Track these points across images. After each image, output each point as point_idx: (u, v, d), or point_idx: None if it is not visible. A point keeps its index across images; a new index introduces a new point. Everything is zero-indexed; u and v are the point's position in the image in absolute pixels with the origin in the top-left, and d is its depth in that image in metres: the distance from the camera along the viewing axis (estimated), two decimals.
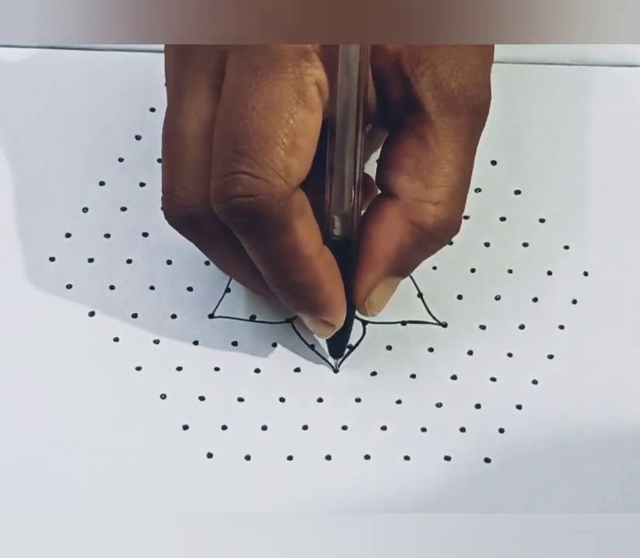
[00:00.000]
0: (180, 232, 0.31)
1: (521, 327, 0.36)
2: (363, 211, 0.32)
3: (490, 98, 0.31)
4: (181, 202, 0.30)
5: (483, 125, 0.31)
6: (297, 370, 0.36)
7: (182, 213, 0.30)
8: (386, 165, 0.31)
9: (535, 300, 0.37)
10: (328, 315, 0.32)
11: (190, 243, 0.36)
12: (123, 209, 0.37)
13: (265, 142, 0.27)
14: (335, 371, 0.36)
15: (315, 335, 0.35)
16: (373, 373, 0.36)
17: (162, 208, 0.31)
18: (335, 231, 0.31)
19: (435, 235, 0.31)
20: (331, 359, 0.36)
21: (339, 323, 0.33)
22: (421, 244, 0.31)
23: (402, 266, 0.32)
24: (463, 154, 0.30)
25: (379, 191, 0.32)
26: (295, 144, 0.28)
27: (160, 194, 0.37)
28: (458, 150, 0.30)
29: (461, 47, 0.30)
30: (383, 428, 0.35)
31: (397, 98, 0.30)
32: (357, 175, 0.30)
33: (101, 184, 0.37)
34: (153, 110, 0.38)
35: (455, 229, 0.31)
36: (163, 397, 0.35)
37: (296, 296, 0.31)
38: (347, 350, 0.36)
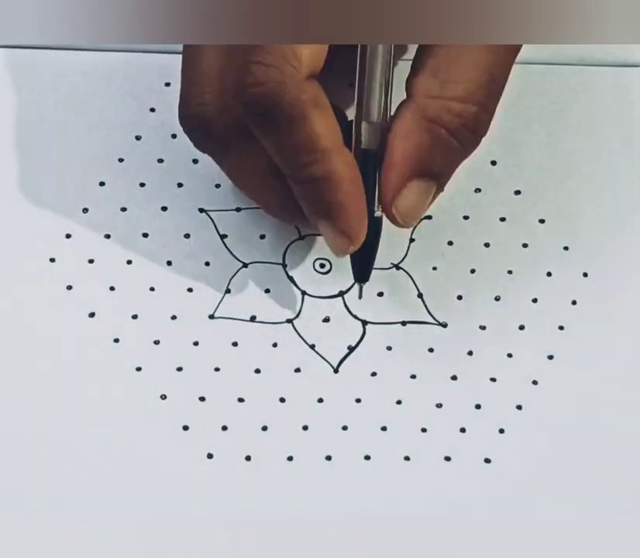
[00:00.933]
0: (193, 138, 0.31)
1: (521, 327, 0.36)
2: None
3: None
4: (195, 100, 0.30)
5: (519, 46, 0.31)
6: (298, 370, 0.36)
7: (195, 112, 0.30)
8: (413, 68, 0.30)
9: (535, 300, 0.37)
10: (344, 220, 0.30)
11: (191, 244, 0.36)
12: (123, 210, 0.37)
13: None
14: (336, 371, 0.36)
15: (334, 253, 0.33)
16: (373, 374, 0.36)
17: (178, 113, 0.31)
18: (363, 140, 0.31)
19: (454, 131, 0.30)
20: (331, 359, 0.36)
21: (357, 235, 0.31)
22: (440, 141, 0.30)
23: (427, 167, 0.30)
24: (490, 55, 0.29)
25: None
26: None
27: (160, 195, 0.37)
28: (483, 50, 0.29)
29: None
30: (383, 428, 0.35)
31: None
32: (387, 82, 0.30)
33: (101, 184, 0.37)
34: (152, 110, 0.38)
35: (477, 127, 0.30)
36: (164, 397, 0.35)
37: (314, 194, 0.30)
38: (347, 351, 0.36)
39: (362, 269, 0.34)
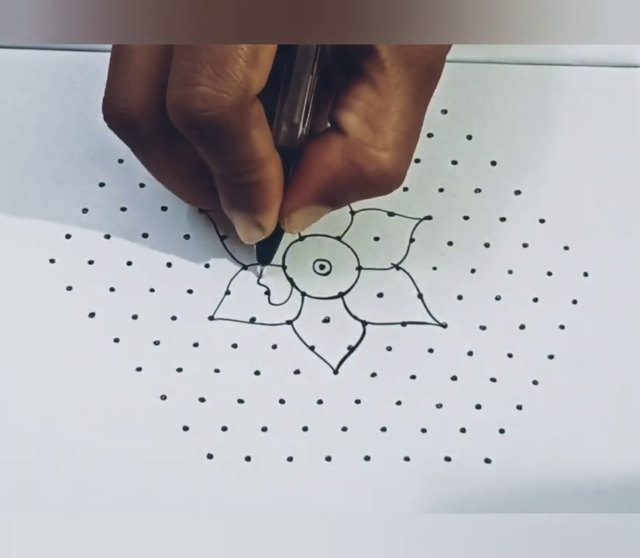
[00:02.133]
0: (117, 135, 0.31)
1: (521, 327, 0.36)
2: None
3: (443, 62, 0.31)
4: (120, 104, 0.30)
5: (435, 85, 0.31)
6: (297, 371, 0.36)
7: (119, 114, 0.30)
8: (338, 104, 0.31)
9: (535, 300, 0.37)
10: (264, 216, 0.32)
11: (191, 245, 0.36)
12: (123, 210, 0.37)
13: (227, 54, 0.27)
14: (335, 372, 0.36)
15: (243, 239, 0.34)
16: (373, 374, 0.36)
17: (102, 109, 0.31)
18: (280, 137, 0.32)
19: (371, 181, 0.31)
20: (331, 360, 0.36)
21: (271, 226, 0.33)
22: (354, 184, 0.31)
23: (330, 199, 0.32)
24: (413, 107, 0.31)
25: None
26: (256, 57, 0.28)
27: (160, 195, 0.37)
28: (408, 102, 0.30)
29: None
30: (383, 429, 0.35)
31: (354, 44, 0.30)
32: (310, 90, 0.31)
33: (101, 185, 0.37)
34: None
35: (396, 180, 0.31)
36: (164, 398, 0.35)
37: (244, 195, 0.32)
38: (347, 351, 0.36)
39: (267, 252, 0.36)
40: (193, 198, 0.34)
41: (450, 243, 0.37)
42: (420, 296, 0.37)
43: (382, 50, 0.30)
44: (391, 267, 0.37)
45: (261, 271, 0.36)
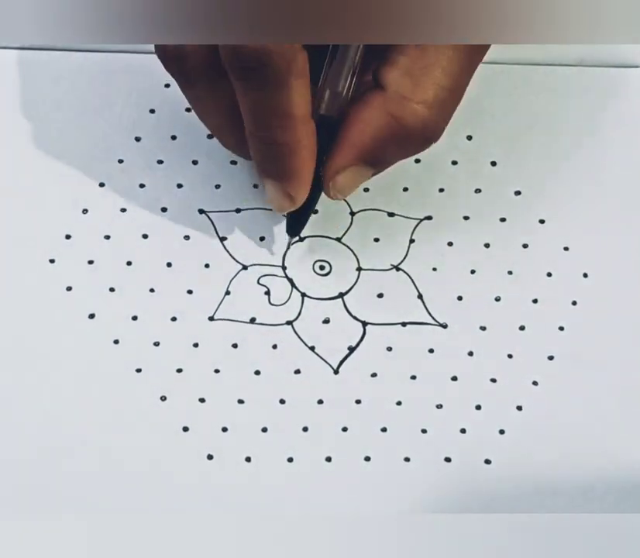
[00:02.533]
0: (166, 67, 0.31)
1: (521, 328, 0.36)
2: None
3: None
4: None
5: (485, 50, 0.31)
6: (297, 371, 0.36)
7: (171, 46, 0.30)
8: (382, 60, 0.31)
9: (535, 301, 0.37)
10: (293, 185, 0.32)
11: (191, 246, 0.36)
12: (123, 211, 0.37)
13: None
14: (336, 373, 0.36)
15: (273, 209, 0.34)
16: (373, 375, 0.36)
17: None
18: (323, 106, 0.32)
19: (412, 134, 0.31)
20: (331, 361, 0.36)
21: (300, 198, 0.33)
22: (396, 140, 0.31)
23: (374, 157, 0.32)
24: (458, 66, 0.31)
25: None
26: None
27: (160, 196, 0.37)
28: (453, 60, 0.30)
29: None
30: (383, 429, 0.35)
31: None
32: (357, 56, 0.31)
33: (101, 185, 0.37)
34: (152, 111, 0.38)
35: (435, 134, 0.31)
36: (164, 399, 0.35)
37: (272, 156, 0.32)
38: (347, 352, 0.36)
39: (296, 224, 0.36)
40: (229, 140, 0.34)
41: (450, 244, 0.37)
42: (420, 296, 0.37)
43: None
44: (391, 268, 0.37)
45: (289, 244, 0.36)
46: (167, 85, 0.38)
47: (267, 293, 0.36)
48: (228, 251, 0.37)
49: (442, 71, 0.30)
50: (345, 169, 0.32)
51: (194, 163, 0.37)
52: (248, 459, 0.35)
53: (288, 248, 0.36)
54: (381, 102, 0.31)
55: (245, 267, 0.36)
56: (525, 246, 0.37)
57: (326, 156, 0.32)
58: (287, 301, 0.36)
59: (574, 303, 0.37)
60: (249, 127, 0.31)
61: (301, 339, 0.36)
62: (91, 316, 0.36)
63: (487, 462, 0.35)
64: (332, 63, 0.31)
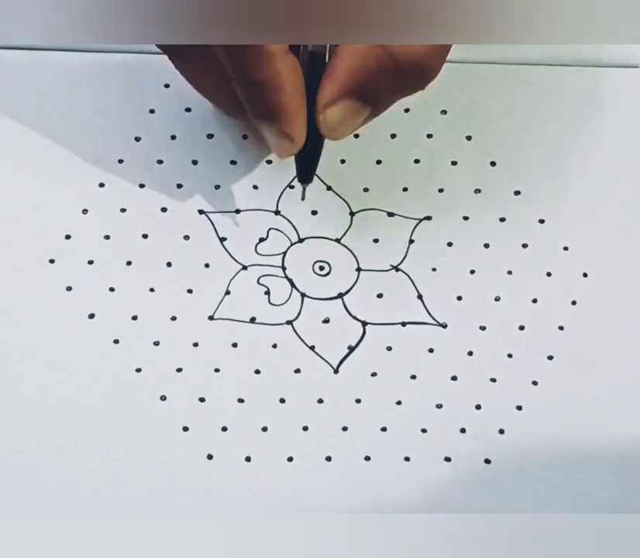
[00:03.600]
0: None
1: (521, 328, 0.36)
2: None
3: None
4: None
5: None
6: (297, 371, 0.36)
7: None
8: None
9: (535, 301, 0.37)
10: (287, 121, 0.31)
11: (190, 246, 0.36)
12: (123, 211, 0.37)
13: None
14: (336, 372, 0.36)
15: (277, 155, 0.34)
16: (373, 374, 0.36)
17: None
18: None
19: (402, 67, 0.30)
20: (331, 360, 0.36)
21: (299, 136, 0.32)
22: (386, 71, 0.30)
23: (363, 89, 0.31)
24: None
25: None
26: None
27: (160, 196, 0.37)
28: None
29: None
30: (383, 429, 0.35)
31: None
32: None
33: (101, 185, 0.37)
34: (152, 112, 0.38)
35: (430, 70, 0.30)
36: (163, 398, 0.35)
37: (258, 96, 0.31)
38: (347, 351, 0.36)
39: (305, 170, 0.34)
40: (222, 100, 0.34)
41: (450, 244, 0.37)
42: (420, 297, 0.37)
43: None
44: (391, 269, 0.37)
45: (303, 190, 0.35)
46: (167, 85, 0.38)
47: (267, 293, 0.36)
48: (228, 251, 0.37)
49: None
50: (334, 102, 0.31)
51: (194, 163, 0.37)
52: (248, 459, 0.35)
53: (303, 196, 0.35)
54: None
55: (245, 267, 0.36)
56: (525, 246, 0.37)
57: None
58: (286, 301, 0.36)
59: (574, 303, 0.37)
60: (231, 72, 0.31)
61: (301, 339, 0.36)
62: (91, 316, 0.36)
63: (487, 462, 0.35)
64: None
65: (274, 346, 0.36)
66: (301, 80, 0.31)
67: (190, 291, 0.36)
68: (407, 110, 0.38)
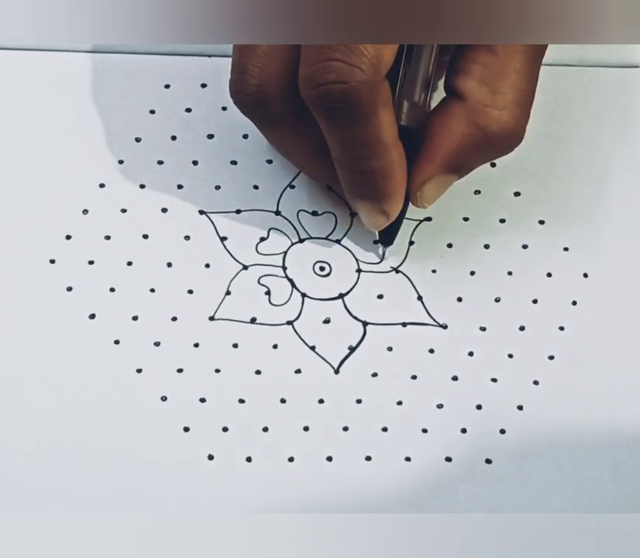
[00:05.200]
0: (245, 112, 0.32)
1: (522, 328, 0.36)
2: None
3: None
4: (252, 81, 0.30)
5: (544, 53, 0.32)
6: (298, 371, 0.36)
7: (252, 91, 0.31)
8: (455, 70, 0.32)
9: (535, 301, 0.37)
10: (389, 203, 0.33)
11: (191, 246, 0.36)
12: (123, 211, 0.37)
13: None
14: (336, 372, 0.36)
15: (368, 227, 0.35)
16: (374, 375, 0.36)
17: (229, 88, 0.31)
18: (403, 117, 0.32)
19: (496, 141, 0.32)
20: (331, 360, 0.36)
21: (396, 213, 0.34)
22: (480, 147, 0.32)
23: (458, 165, 0.33)
24: (529, 66, 0.31)
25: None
26: None
27: (160, 197, 0.37)
28: (524, 61, 0.31)
29: None
30: (384, 429, 0.35)
31: None
32: (432, 66, 0.32)
33: (102, 186, 0.37)
34: (152, 112, 0.38)
35: (517, 138, 0.32)
36: (164, 399, 0.35)
37: (367, 182, 0.32)
38: (347, 352, 0.36)
39: (390, 234, 0.36)
40: (319, 173, 0.35)
41: (449, 245, 0.37)
42: (420, 298, 0.37)
43: None
44: (391, 270, 0.37)
45: (384, 253, 0.37)
46: (167, 86, 0.38)
47: (268, 293, 0.36)
48: (228, 251, 0.37)
49: (517, 75, 0.31)
50: (432, 178, 0.33)
51: (194, 163, 0.37)
52: (249, 459, 0.35)
53: (383, 257, 0.37)
54: (463, 112, 0.31)
55: (245, 267, 0.36)
56: (525, 246, 0.37)
57: (412, 166, 0.33)
58: (287, 301, 0.36)
59: (574, 303, 0.37)
60: (340, 159, 0.32)
61: (302, 339, 0.36)
62: (92, 316, 0.36)
63: (488, 461, 0.35)
64: (406, 74, 0.31)
65: (275, 346, 0.36)
66: (405, 165, 0.32)
67: (190, 292, 0.36)
68: None
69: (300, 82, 0.29)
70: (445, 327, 0.36)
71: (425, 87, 0.32)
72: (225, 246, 0.37)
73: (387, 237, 0.36)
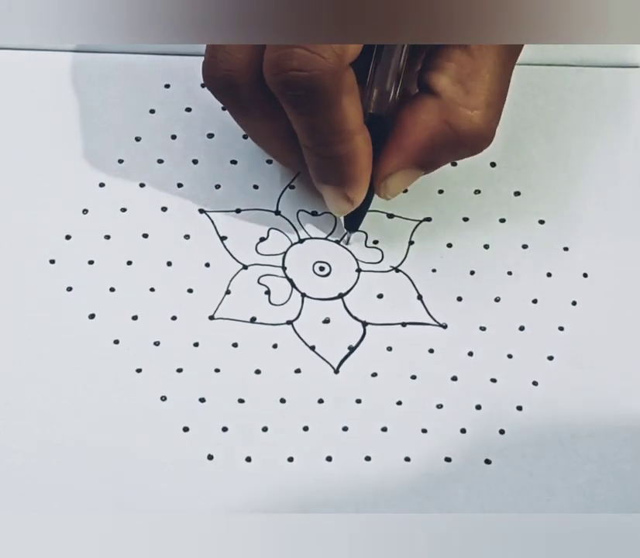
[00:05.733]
0: (216, 96, 0.32)
1: (521, 328, 0.36)
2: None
3: None
4: (222, 66, 0.31)
5: (518, 55, 0.33)
6: (298, 371, 0.36)
7: (221, 76, 0.31)
8: (430, 66, 0.32)
9: (535, 301, 0.37)
10: (353, 189, 0.33)
11: (191, 245, 0.36)
12: (123, 211, 0.37)
13: None
14: (336, 372, 0.36)
15: (333, 212, 0.35)
16: (374, 375, 0.36)
17: (202, 71, 0.31)
18: (372, 105, 0.32)
19: (465, 140, 0.32)
20: (331, 360, 0.36)
21: (360, 199, 0.34)
22: (449, 145, 0.32)
23: (426, 161, 0.33)
24: (503, 68, 0.32)
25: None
26: None
27: (160, 196, 0.37)
28: (498, 63, 0.31)
29: None
30: (384, 429, 0.35)
31: None
32: (403, 54, 0.32)
33: (101, 185, 0.37)
34: (152, 112, 0.38)
35: (487, 139, 0.32)
36: (164, 398, 0.35)
37: (331, 167, 0.32)
38: (347, 351, 0.36)
39: (354, 220, 0.36)
40: (289, 160, 0.35)
41: (449, 245, 0.37)
42: (420, 298, 0.37)
43: None
44: (390, 270, 0.37)
45: (348, 238, 0.37)
46: (167, 86, 0.38)
47: (267, 292, 0.36)
48: (228, 251, 0.37)
49: (491, 76, 0.31)
50: (398, 171, 0.33)
51: (194, 162, 0.37)
52: (248, 459, 0.35)
53: (348, 242, 0.37)
54: (434, 108, 0.32)
55: (245, 267, 0.36)
56: (525, 246, 0.37)
57: (378, 156, 0.33)
58: (287, 301, 0.36)
59: (574, 303, 0.37)
60: (306, 144, 0.32)
61: (302, 339, 0.36)
62: (91, 316, 0.36)
63: (487, 462, 0.35)
64: (378, 63, 0.32)
65: (275, 346, 0.36)
66: (371, 152, 0.32)
67: (190, 291, 0.36)
68: None
69: (264, 68, 0.30)
70: (445, 327, 0.36)
71: (396, 77, 0.32)
72: (224, 246, 0.37)
73: (351, 223, 0.36)
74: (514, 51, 0.32)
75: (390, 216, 0.37)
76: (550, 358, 0.36)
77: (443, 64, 0.31)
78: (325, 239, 0.37)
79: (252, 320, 0.36)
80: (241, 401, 0.35)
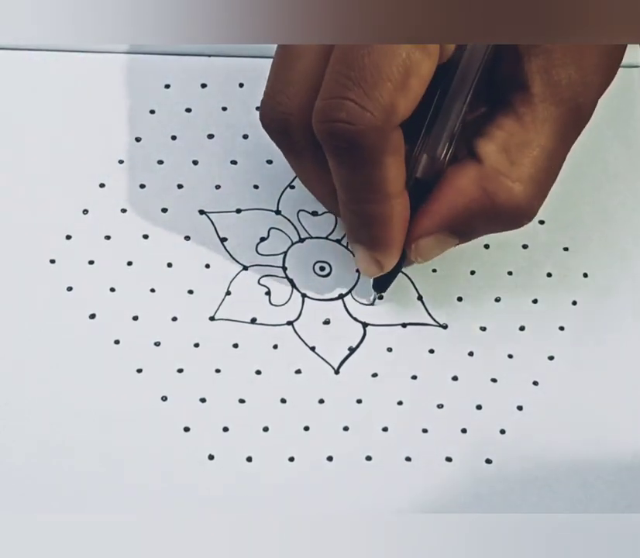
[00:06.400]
0: (271, 137, 0.32)
1: (521, 328, 0.36)
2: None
3: (595, 102, 0.31)
4: (279, 108, 0.30)
5: (582, 127, 0.31)
6: (299, 371, 0.36)
7: (278, 118, 0.31)
8: (478, 133, 0.31)
9: (535, 301, 0.37)
10: (384, 254, 0.33)
11: (191, 246, 0.36)
12: (123, 211, 0.37)
13: (377, 75, 0.28)
14: (336, 372, 0.36)
15: (362, 272, 0.35)
16: (374, 375, 0.36)
17: (258, 108, 0.32)
18: (419, 170, 0.32)
19: (502, 211, 0.31)
20: (332, 361, 0.36)
21: (390, 265, 0.33)
22: (485, 215, 0.31)
23: (460, 228, 0.32)
24: (555, 146, 0.30)
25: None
26: (406, 83, 0.28)
27: (160, 196, 0.37)
28: (552, 139, 0.30)
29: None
30: (385, 429, 0.35)
31: (505, 75, 0.30)
32: (459, 121, 0.31)
33: (102, 185, 0.37)
34: (152, 112, 0.38)
35: (527, 215, 0.31)
36: (164, 399, 0.35)
37: (363, 226, 0.32)
38: (347, 352, 0.36)
39: (383, 282, 0.35)
40: (334, 206, 0.34)
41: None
42: (420, 298, 0.37)
43: (534, 85, 0.30)
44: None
45: (374, 298, 0.36)
46: (167, 86, 0.38)
47: (268, 293, 0.36)
48: (228, 251, 0.37)
49: (540, 150, 0.30)
50: (429, 235, 0.32)
51: (194, 163, 0.37)
52: (249, 459, 0.35)
53: (373, 303, 0.36)
54: (476, 175, 0.31)
55: (245, 268, 0.36)
56: (525, 246, 0.37)
57: (413, 217, 0.32)
58: (287, 302, 0.36)
59: (574, 303, 0.37)
60: (342, 198, 0.31)
61: (302, 340, 0.36)
62: (92, 316, 0.36)
63: (488, 462, 0.35)
64: (431, 128, 0.31)
65: (275, 346, 0.36)
66: (408, 216, 0.32)
67: (190, 292, 0.36)
68: None
69: (313, 114, 0.29)
70: (445, 327, 0.36)
71: (448, 143, 0.31)
72: (225, 247, 0.37)
73: (380, 284, 0.36)
74: (572, 131, 0.31)
75: None
76: (550, 358, 0.36)
77: (493, 131, 0.30)
78: (326, 238, 0.37)
79: (253, 321, 0.36)
80: (241, 401, 0.35)
